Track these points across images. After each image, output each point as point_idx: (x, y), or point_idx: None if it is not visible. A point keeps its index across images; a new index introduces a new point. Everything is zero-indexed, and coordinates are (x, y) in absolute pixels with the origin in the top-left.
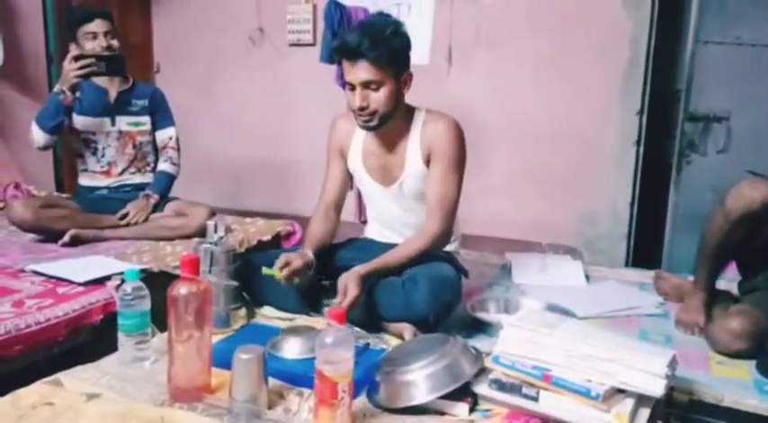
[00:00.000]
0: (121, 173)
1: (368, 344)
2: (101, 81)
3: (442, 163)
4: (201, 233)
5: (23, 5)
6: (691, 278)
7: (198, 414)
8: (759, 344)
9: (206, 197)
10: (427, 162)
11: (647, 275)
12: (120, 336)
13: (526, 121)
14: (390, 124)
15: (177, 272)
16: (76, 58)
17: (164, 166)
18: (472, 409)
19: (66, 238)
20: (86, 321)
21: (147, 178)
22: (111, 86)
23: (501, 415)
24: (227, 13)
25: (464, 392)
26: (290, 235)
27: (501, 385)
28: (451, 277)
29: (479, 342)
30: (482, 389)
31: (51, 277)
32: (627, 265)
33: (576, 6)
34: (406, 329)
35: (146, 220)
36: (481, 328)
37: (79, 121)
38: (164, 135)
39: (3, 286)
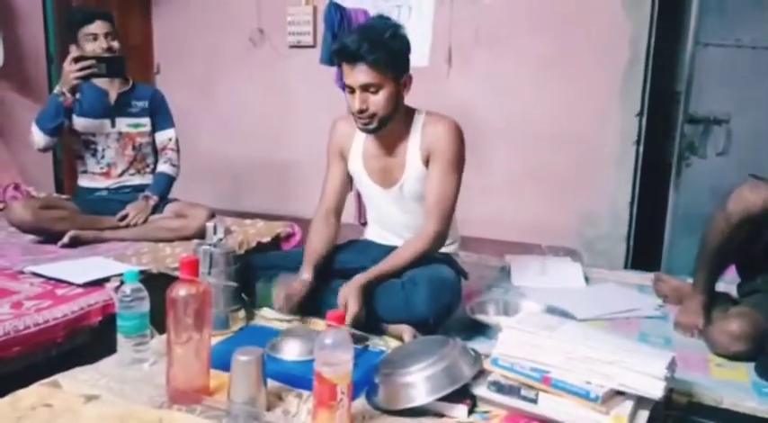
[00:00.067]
0: (121, 174)
1: (367, 345)
2: (101, 82)
3: (441, 163)
4: (201, 235)
5: (23, 6)
6: (690, 280)
7: (196, 416)
8: (758, 346)
9: (206, 198)
10: (427, 164)
11: (646, 277)
12: (119, 337)
13: (526, 122)
14: (390, 127)
15: (176, 273)
16: (77, 60)
17: (163, 167)
18: (471, 411)
19: (65, 240)
20: (85, 323)
21: (147, 180)
22: (111, 88)
23: (500, 417)
24: (227, 15)
25: (463, 394)
26: (289, 237)
27: (500, 387)
28: (451, 279)
29: (478, 344)
30: (481, 391)
31: (50, 279)
32: (626, 266)
33: (576, 7)
34: (406, 331)
35: (145, 221)
36: (480, 330)
37: (79, 122)
38: (163, 136)
39: (2, 287)
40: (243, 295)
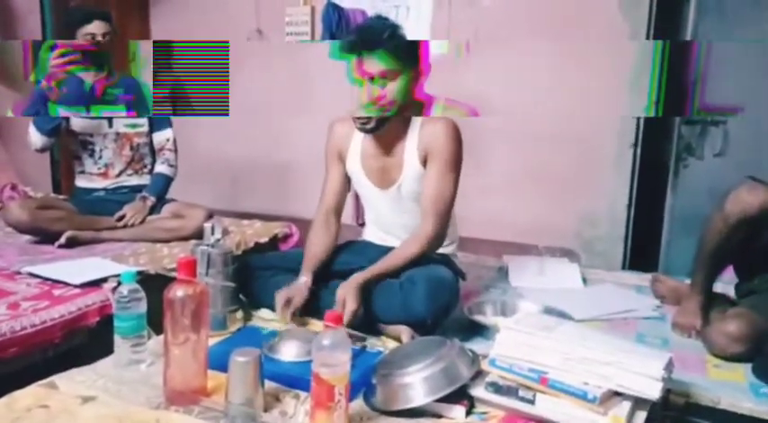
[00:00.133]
0: (118, 174)
1: (365, 346)
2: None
3: (438, 163)
4: (198, 235)
5: (21, 6)
6: (688, 281)
7: (194, 417)
8: (756, 347)
9: (203, 199)
10: (425, 163)
11: (644, 278)
12: (116, 338)
13: (524, 122)
14: (388, 127)
15: (174, 274)
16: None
17: (161, 167)
18: (469, 412)
19: (62, 240)
20: (82, 324)
21: (144, 180)
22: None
23: (498, 418)
24: (225, 15)
25: (461, 395)
26: (287, 237)
27: (497, 388)
28: (449, 280)
29: (476, 345)
30: (479, 392)
31: (47, 279)
32: (624, 267)
33: (575, 9)
34: (404, 332)
35: (142, 221)
36: (478, 330)
37: (76, 123)
38: (161, 137)
39: None
40: (240, 296)
